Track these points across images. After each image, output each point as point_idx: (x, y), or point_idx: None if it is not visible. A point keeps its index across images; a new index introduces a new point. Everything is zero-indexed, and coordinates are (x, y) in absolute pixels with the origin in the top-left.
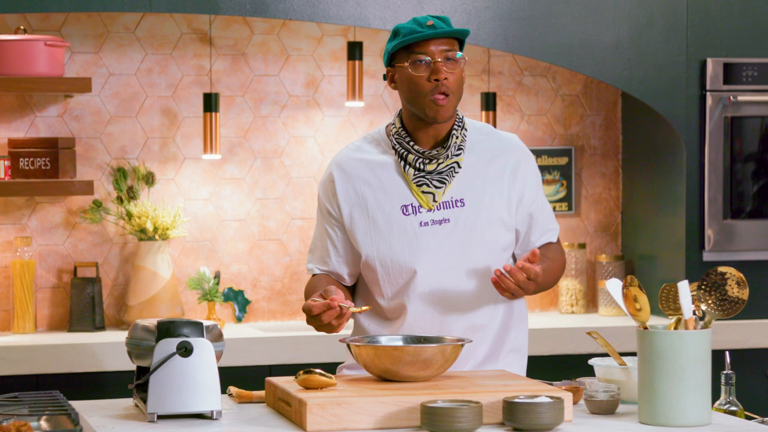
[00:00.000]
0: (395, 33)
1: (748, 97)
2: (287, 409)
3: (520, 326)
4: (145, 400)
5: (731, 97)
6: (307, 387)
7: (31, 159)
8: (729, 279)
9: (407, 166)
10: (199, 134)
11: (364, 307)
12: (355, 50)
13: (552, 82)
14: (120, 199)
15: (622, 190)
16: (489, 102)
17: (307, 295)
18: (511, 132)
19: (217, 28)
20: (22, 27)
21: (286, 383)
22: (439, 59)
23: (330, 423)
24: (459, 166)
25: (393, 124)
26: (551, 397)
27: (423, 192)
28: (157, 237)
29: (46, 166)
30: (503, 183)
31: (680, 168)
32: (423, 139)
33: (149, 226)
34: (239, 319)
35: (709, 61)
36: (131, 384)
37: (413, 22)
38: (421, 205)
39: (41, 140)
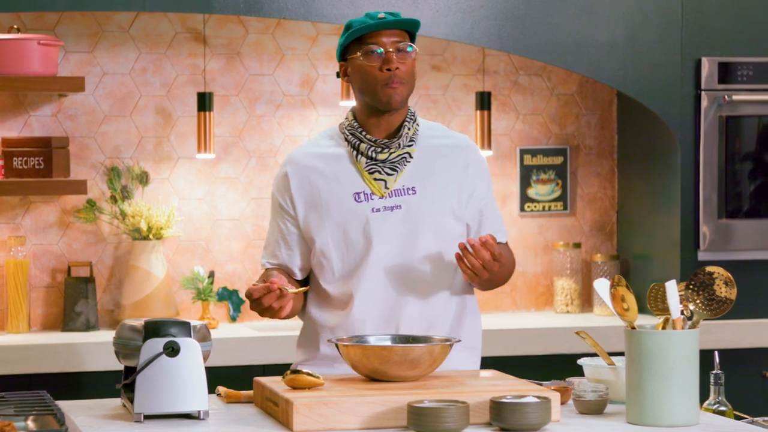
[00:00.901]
0: (348, 27)
1: (743, 96)
2: (275, 409)
3: (473, 322)
4: (132, 400)
5: (726, 97)
6: (295, 387)
7: (25, 158)
8: (717, 279)
9: (359, 155)
10: (194, 134)
11: (302, 288)
12: None
13: (547, 82)
14: (114, 199)
15: (618, 189)
16: (484, 101)
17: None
18: (507, 132)
19: (212, 27)
20: (15, 26)
21: (274, 383)
22: (391, 50)
23: (317, 423)
24: (410, 157)
25: (346, 118)
26: (538, 397)
27: (375, 179)
28: (151, 236)
29: (40, 166)
30: (454, 176)
31: (675, 167)
32: (375, 130)
33: (143, 226)
34: (234, 319)
35: (704, 61)
36: (119, 384)
37: (365, 16)
38: (373, 193)
39: (35, 139)
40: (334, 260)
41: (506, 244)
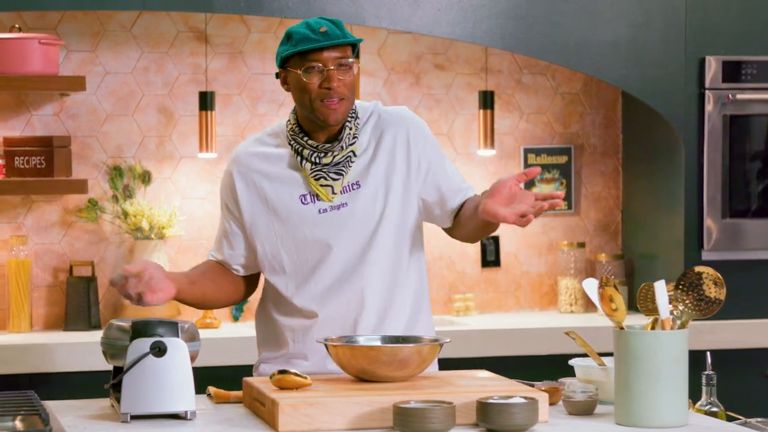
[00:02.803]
0: (288, 36)
1: (747, 95)
2: (262, 409)
3: (428, 319)
4: (120, 400)
5: (730, 96)
6: (282, 387)
7: (27, 158)
8: (706, 279)
9: (304, 161)
10: (196, 133)
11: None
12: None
13: (551, 81)
14: (116, 198)
15: (622, 188)
16: (487, 100)
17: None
18: (511, 131)
19: (214, 26)
20: (17, 25)
21: (262, 383)
22: (332, 66)
23: (302, 423)
24: (355, 155)
25: (289, 121)
26: (526, 398)
27: (321, 186)
28: (153, 236)
29: (41, 165)
30: (397, 156)
31: (680, 167)
32: (317, 134)
33: (145, 225)
34: (236, 318)
35: (708, 60)
36: (107, 384)
37: (306, 26)
38: (318, 195)
39: (36, 139)
40: (286, 263)
41: (476, 195)
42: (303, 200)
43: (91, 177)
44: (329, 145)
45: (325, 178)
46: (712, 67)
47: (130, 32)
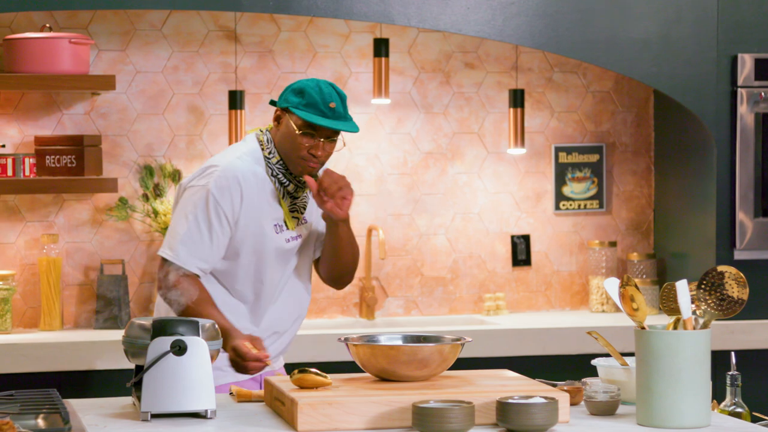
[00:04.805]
0: (300, 92)
1: None
2: (282, 408)
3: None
4: (141, 399)
5: (763, 94)
6: (302, 386)
7: (57, 157)
8: (728, 278)
9: (286, 195)
10: (225, 132)
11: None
12: (381, 47)
13: (582, 79)
14: (146, 197)
15: (654, 187)
16: (517, 99)
17: (193, 297)
18: (541, 130)
19: (244, 25)
20: (47, 25)
21: (282, 382)
22: (323, 139)
23: (321, 423)
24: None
25: (271, 152)
26: (546, 398)
27: (293, 217)
28: None
29: (72, 164)
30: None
31: (711, 165)
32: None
33: None
34: None
35: (741, 57)
36: (129, 382)
37: (318, 92)
38: (286, 225)
39: (67, 138)
40: (252, 279)
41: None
42: (276, 230)
43: (121, 176)
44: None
45: (297, 211)
46: (745, 64)
47: (161, 31)
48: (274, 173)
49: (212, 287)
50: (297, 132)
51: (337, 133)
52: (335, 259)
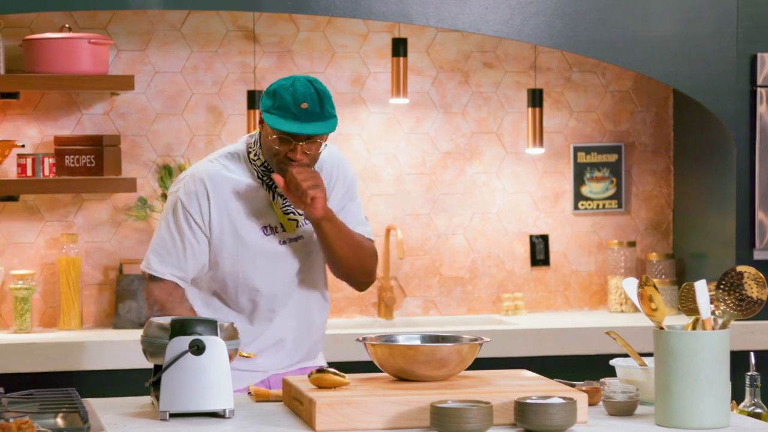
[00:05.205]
0: (272, 94)
1: None
2: (300, 408)
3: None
4: (159, 398)
5: None
6: (320, 386)
7: (77, 156)
8: (747, 278)
9: (276, 196)
10: (244, 132)
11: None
12: (399, 47)
13: (601, 78)
14: (165, 197)
15: (674, 187)
16: (535, 98)
17: (169, 305)
18: (560, 129)
19: (263, 25)
20: (67, 25)
21: (300, 382)
22: (302, 142)
23: (339, 423)
24: None
25: (257, 155)
26: (564, 398)
27: (289, 219)
28: None
29: (92, 164)
30: (328, 193)
31: (731, 165)
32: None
33: None
34: None
35: (761, 56)
36: (147, 381)
37: (291, 93)
38: (283, 227)
39: (86, 138)
40: (243, 287)
41: (370, 240)
42: (265, 232)
43: (140, 176)
44: None
45: (294, 213)
46: (765, 63)
47: (180, 32)
48: (259, 175)
49: (209, 300)
50: (271, 137)
51: (316, 135)
52: (333, 258)
